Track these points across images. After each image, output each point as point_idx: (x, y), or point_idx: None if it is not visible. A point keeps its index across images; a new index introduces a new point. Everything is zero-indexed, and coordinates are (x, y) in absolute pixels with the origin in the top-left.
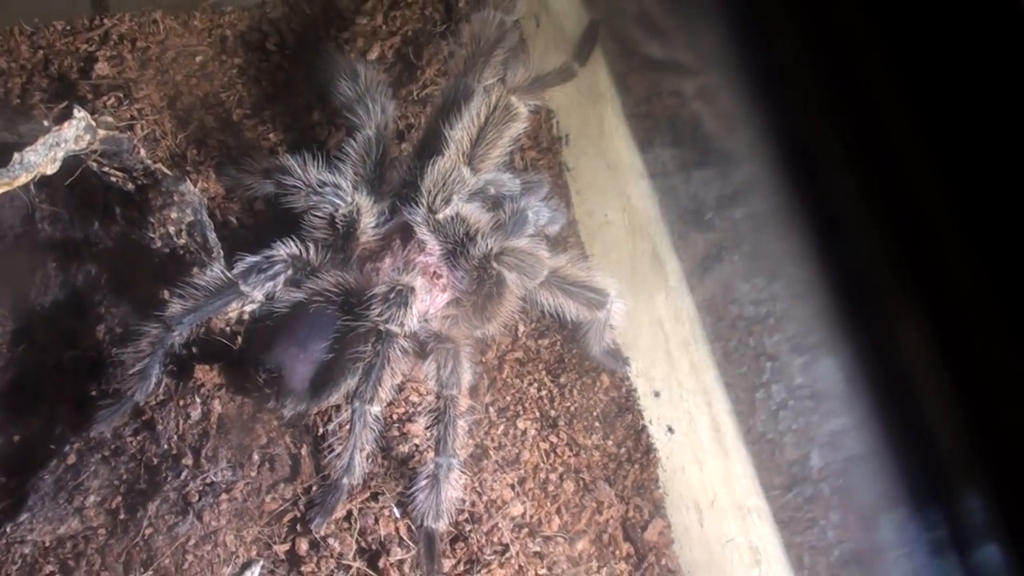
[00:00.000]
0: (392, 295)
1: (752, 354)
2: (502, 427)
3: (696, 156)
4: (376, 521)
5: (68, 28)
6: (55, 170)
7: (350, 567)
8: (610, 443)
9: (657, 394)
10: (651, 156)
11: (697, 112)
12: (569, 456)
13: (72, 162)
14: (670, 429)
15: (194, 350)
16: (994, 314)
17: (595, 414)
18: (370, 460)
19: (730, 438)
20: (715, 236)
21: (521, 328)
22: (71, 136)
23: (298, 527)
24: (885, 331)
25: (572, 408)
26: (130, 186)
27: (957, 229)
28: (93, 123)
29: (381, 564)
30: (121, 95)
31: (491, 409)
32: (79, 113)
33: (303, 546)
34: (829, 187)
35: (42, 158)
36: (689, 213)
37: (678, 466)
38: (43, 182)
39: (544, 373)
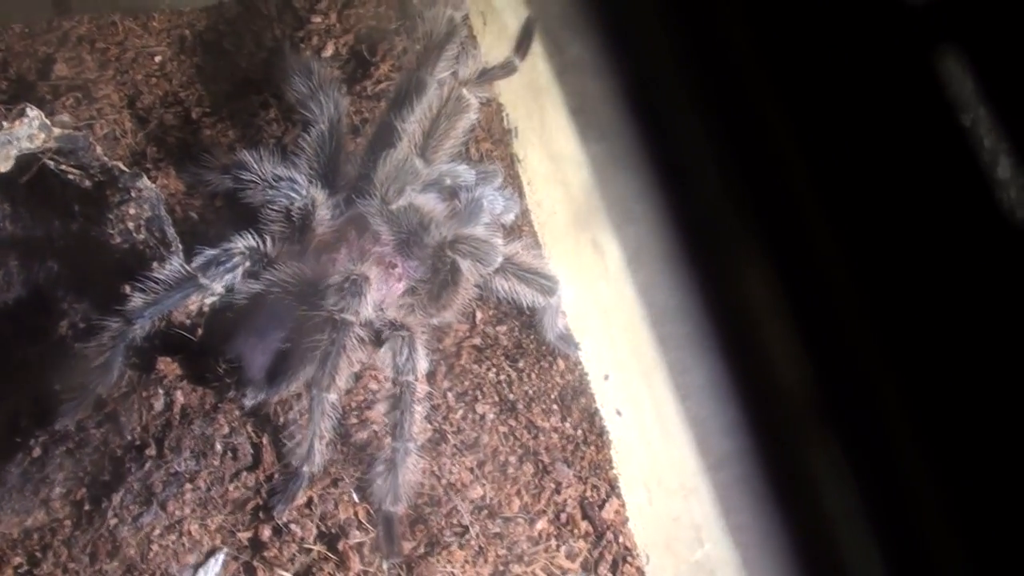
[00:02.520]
0: (347, 285)
1: (683, 341)
2: (460, 412)
3: (621, 152)
4: (336, 506)
5: (27, 31)
6: (8, 168)
7: (311, 551)
8: (567, 425)
9: (607, 377)
10: (587, 149)
11: (617, 110)
12: (528, 439)
13: (29, 160)
14: (618, 412)
15: (156, 343)
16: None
17: (552, 397)
18: (330, 447)
19: (670, 420)
20: (642, 228)
21: (479, 315)
22: (23, 134)
23: (261, 514)
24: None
25: (530, 392)
26: (88, 183)
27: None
28: (48, 122)
29: (341, 547)
30: (80, 95)
31: (449, 395)
32: (32, 112)
33: (266, 532)
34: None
35: None
36: (620, 205)
37: (628, 447)
38: (1, 181)
39: (502, 358)
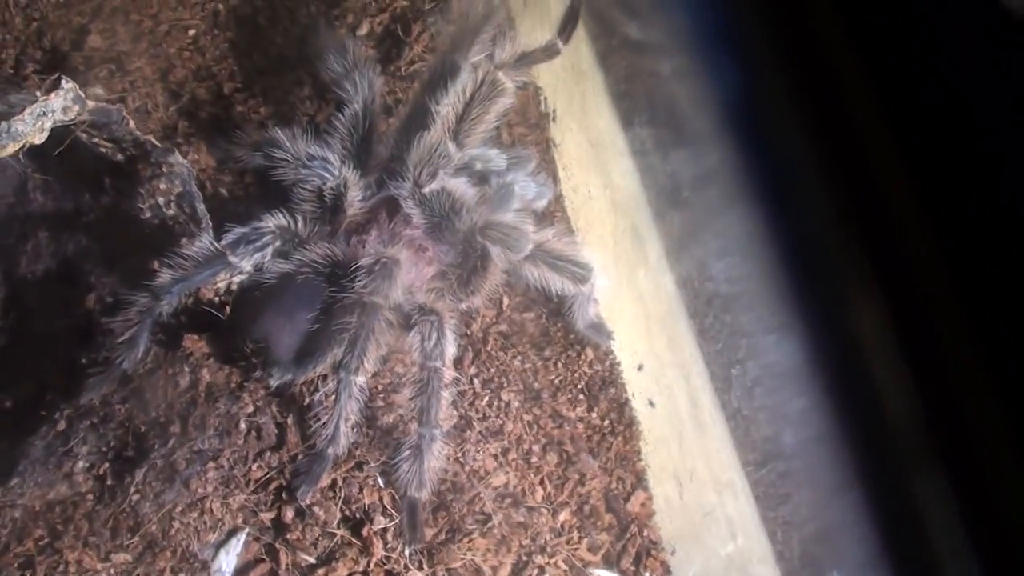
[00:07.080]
0: (377, 267)
1: (728, 331)
2: (486, 399)
3: (672, 136)
4: (360, 490)
5: (62, 0)
6: (43, 140)
7: (334, 535)
8: (594, 415)
9: (640, 368)
10: (631, 134)
11: (673, 92)
12: (552, 428)
13: (62, 133)
14: (651, 403)
15: (183, 319)
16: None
17: (579, 387)
18: (355, 430)
19: (707, 413)
20: (691, 214)
21: (506, 301)
22: (58, 106)
23: (284, 495)
24: (840, 312)
25: (556, 381)
26: (119, 157)
27: (915, 212)
28: (82, 94)
29: (365, 532)
30: (113, 67)
31: (475, 381)
32: (67, 84)
33: (289, 514)
34: (787, 169)
35: (29, 128)
36: (667, 191)
37: (659, 439)
38: (34, 152)
39: (528, 346)
